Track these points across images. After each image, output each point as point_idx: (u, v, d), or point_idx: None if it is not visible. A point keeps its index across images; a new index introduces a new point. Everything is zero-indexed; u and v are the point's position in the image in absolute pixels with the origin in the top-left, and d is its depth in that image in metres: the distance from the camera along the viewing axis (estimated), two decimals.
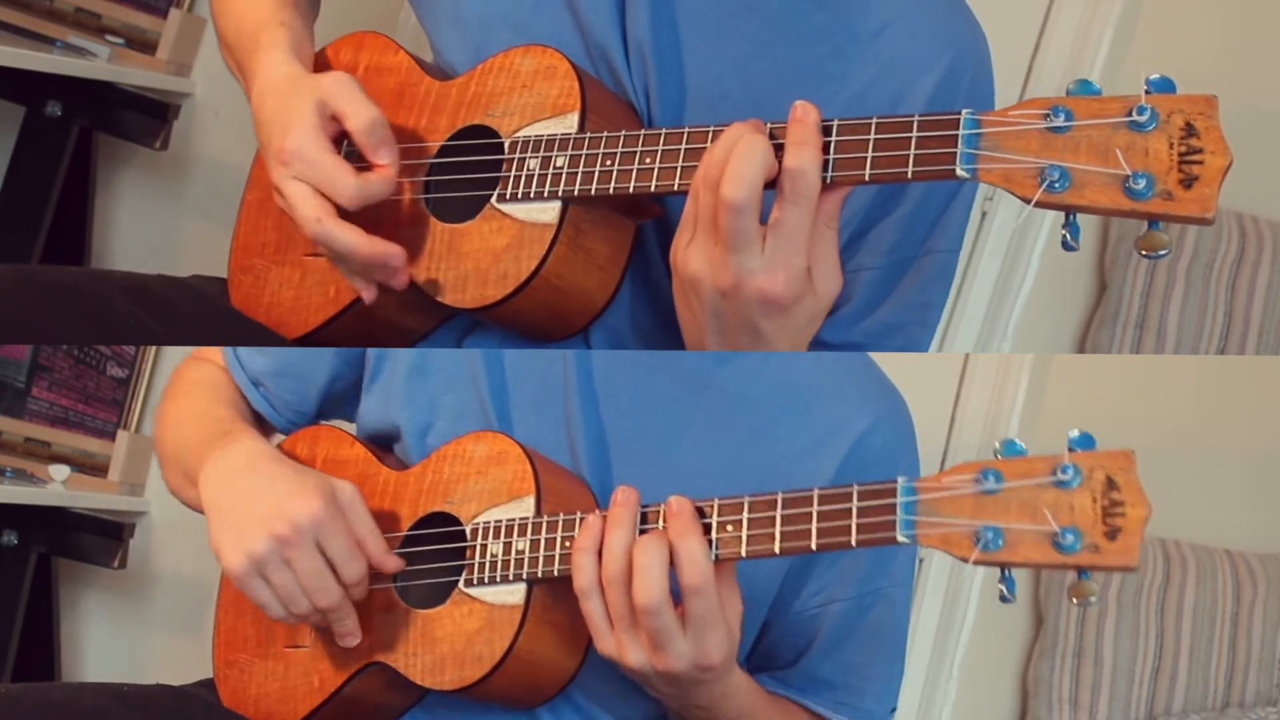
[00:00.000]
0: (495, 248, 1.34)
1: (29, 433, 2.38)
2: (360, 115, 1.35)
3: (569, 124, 1.33)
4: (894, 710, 1.42)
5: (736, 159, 1.20)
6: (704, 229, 1.23)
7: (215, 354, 1.54)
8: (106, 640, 2.45)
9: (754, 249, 1.21)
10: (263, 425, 1.51)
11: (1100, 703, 2.34)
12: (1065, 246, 1.15)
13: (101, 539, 2.38)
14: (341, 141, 1.37)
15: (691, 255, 1.24)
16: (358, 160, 1.36)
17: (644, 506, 1.27)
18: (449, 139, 1.39)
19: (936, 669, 2.37)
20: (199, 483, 1.39)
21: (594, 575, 1.25)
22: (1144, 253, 1.13)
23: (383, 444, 1.47)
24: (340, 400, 1.50)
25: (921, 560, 2.37)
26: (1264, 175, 2.37)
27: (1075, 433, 1.14)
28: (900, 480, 1.17)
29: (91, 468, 2.40)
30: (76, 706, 1.38)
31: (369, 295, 1.37)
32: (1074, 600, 1.13)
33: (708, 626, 1.22)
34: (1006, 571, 1.14)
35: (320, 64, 1.49)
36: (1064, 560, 1.11)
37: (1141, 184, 1.11)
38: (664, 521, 1.25)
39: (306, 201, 1.34)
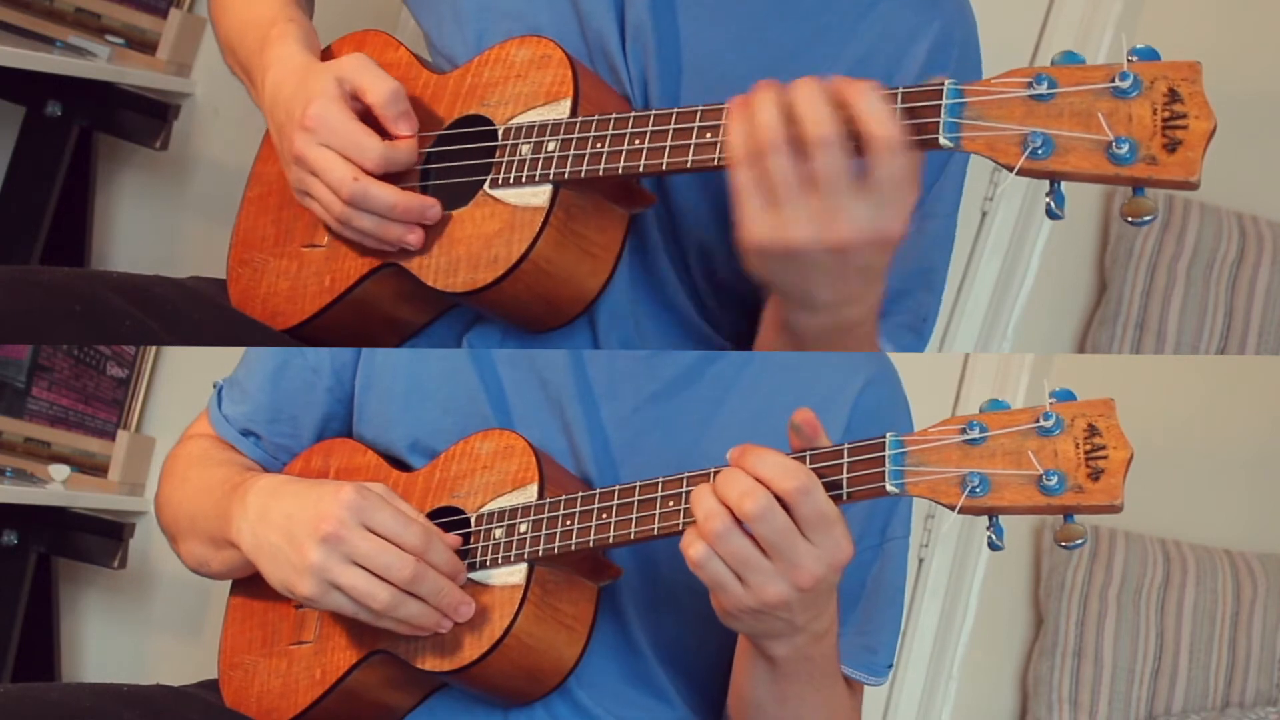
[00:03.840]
0: (487, 232, 1.34)
1: (29, 433, 2.38)
2: (380, 89, 1.37)
3: (561, 110, 1.34)
4: (890, 666, 1.43)
5: (806, 103, 1.17)
6: (784, 191, 1.19)
7: (198, 427, 1.55)
8: (106, 640, 2.45)
9: (849, 184, 1.18)
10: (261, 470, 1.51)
11: (1100, 703, 2.34)
12: (1050, 215, 1.16)
13: (101, 539, 2.38)
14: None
15: (788, 223, 1.19)
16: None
17: None
18: (446, 129, 1.39)
19: (936, 669, 2.37)
20: (236, 541, 1.39)
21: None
22: (1129, 218, 1.13)
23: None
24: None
25: (921, 561, 2.37)
26: (1264, 175, 2.38)
27: (1056, 388, 1.17)
28: (888, 434, 1.19)
29: (91, 468, 2.40)
30: (75, 706, 1.38)
31: (416, 239, 1.37)
32: (1060, 544, 1.16)
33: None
34: (994, 519, 1.17)
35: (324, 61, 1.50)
36: (1049, 502, 1.14)
37: (1125, 149, 1.12)
38: None
39: (337, 164, 1.35)
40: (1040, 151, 1.14)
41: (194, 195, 2.42)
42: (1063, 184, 1.16)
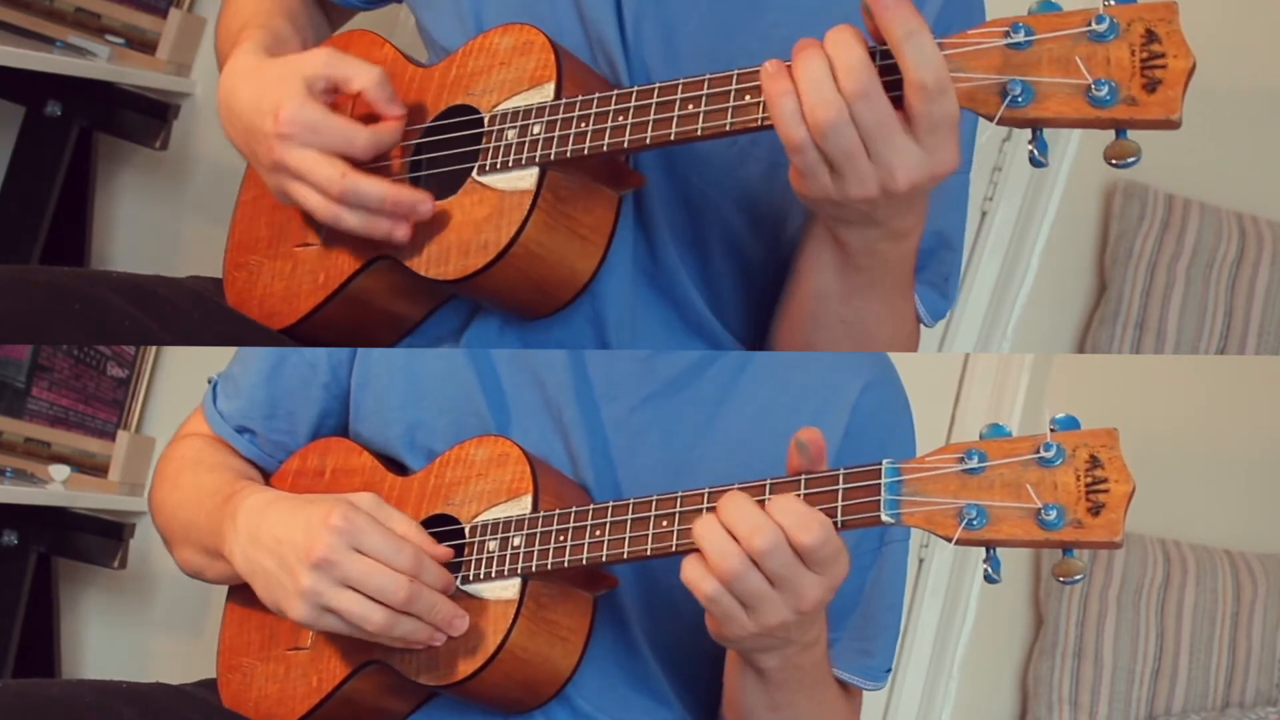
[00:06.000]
0: (477, 218, 1.34)
1: (29, 433, 2.38)
2: (367, 75, 1.36)
3: (545, 94, 1.34)
4: (889, 670, 1.42)
5: (912, 47, 1.15)
6: (843, 161, 1.17)
7: (193, 425, 1.54)
8: (106, 640, 2.45)
9: (898, 130, 1.17)
10: (257, 468, 1.51)
11: (1100, 703, 2.34)
12: (1033, 163, 1.16)
13: (101, 539, 2.38)
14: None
15: (849, 183, 1.18)
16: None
17: None
18: (432, 121, 1.39)
19: (936, 669, 2.37)
20: (228, 558, 1.38)
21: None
22: (1113, 161, 1.13)
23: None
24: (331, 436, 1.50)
25: (921, 561, 2.37)
26: (1264, 175, 2.38)
27: (1059, 414, 1.14)
28: (885, 462, 1.17)
29: (91, 468, 2.40)
30: (75, 702, 1.38)
31: (404, 233, 1.36)
32: (1059, 578, 1.13)
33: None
34: (991, 551, 1.14)
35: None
36: (1047, 537, 1.12)
37: (1104, 91, 1.12)
38: None
39: (321, 163, 1.34)
40: (1020, 99, 1.13)
41: (194, 195, 2.42)
42: (1045, 133, 1.16)
